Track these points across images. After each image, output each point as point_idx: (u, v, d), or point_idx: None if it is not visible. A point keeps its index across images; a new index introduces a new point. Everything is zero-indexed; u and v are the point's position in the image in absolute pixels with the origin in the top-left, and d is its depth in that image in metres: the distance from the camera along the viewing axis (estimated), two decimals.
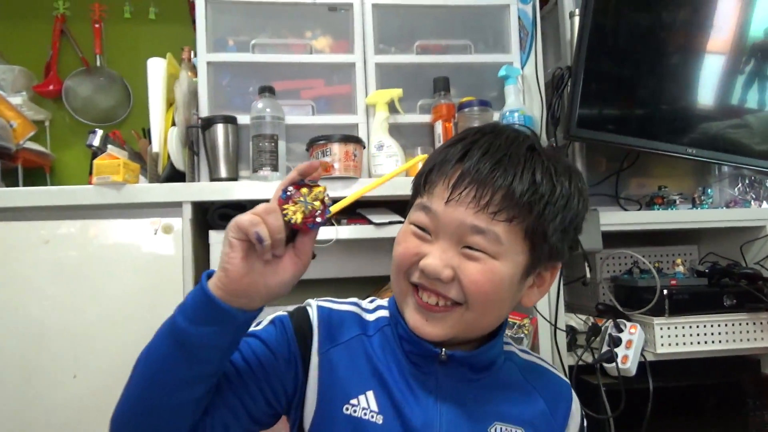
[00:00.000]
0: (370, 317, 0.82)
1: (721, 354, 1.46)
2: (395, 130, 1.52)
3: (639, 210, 1.71)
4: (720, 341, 1.45)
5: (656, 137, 1.57)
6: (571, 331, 1.49)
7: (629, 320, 1.45)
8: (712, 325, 1.45)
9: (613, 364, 1.36)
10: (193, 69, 1.55)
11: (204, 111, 1.47)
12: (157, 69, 1.54)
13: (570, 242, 0.75)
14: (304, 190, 0.68)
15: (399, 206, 1.42)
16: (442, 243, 0.70)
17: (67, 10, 2.14)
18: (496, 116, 1.54)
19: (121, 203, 1.32)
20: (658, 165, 1.81)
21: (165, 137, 1.50)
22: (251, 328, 0.77)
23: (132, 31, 2.18)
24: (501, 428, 0.75)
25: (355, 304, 0.84)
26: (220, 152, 1.42)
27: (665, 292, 1.43)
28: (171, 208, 1.34)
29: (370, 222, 1.39)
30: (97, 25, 2.14)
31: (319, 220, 0.67)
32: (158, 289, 1.31)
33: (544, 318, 1.40)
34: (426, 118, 1.56)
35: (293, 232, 0.68)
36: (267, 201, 0.66)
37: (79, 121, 2.12)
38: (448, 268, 0.69)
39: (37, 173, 2.01)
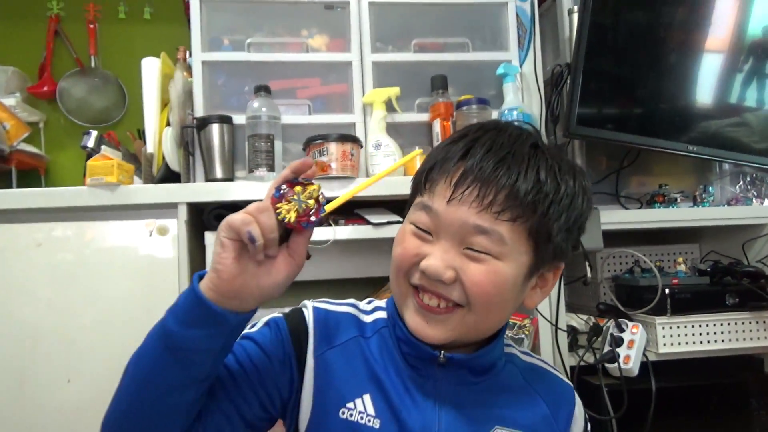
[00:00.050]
0: (368, 319, 0.80)
1: (723, 353, 1.44)
2: (393, 129, 1.51)
3: (640, 208, 1.70)
4: (723, 340, 1.43)
5: (657, 134, 1.56)
6: (572, 331, 1.47)
7: (631, 320, 1.44)
8: (714, 325, 1.43)
9: (615, 364, 1.35)
10: (189, 69, 1.53)
11: (199, 111, 1.46)
12: (151, 69, 1.53)
13: (573, 242, 0.74)
14: (298, 188, 0.66)
15: (397, 206, 1.40)
16: (444, 243, 0.69)
17: (61, 11, 2.13)
18: (494, 114, 1.52)
19: (115, 204, 1.31)
20: (658, 163, 1.80)
21: (160, 138, 1.48)
22: (245, 330, 0.75)
23: (127, 32, 2.17)
24: None
25: (353, 305, 0.82)
26: (215, 152, 1.41)
27: (667, 291, 1.42)
28: (166, 209, 1.33)
29: (368, 222, 1.37)
30: (91, 26, 2.13)
31: (313, 219, 0.65)
32: (153, 292, 1.29)
33: (545, 318, 1.39)
34: (424, 117, 1.55)
35: (287, 232, 0.66)
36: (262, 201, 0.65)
37: (74, 122, 2.11)
38: (449, 269, 0.67)
39: (31, 175, 1.99)
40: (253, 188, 1.34)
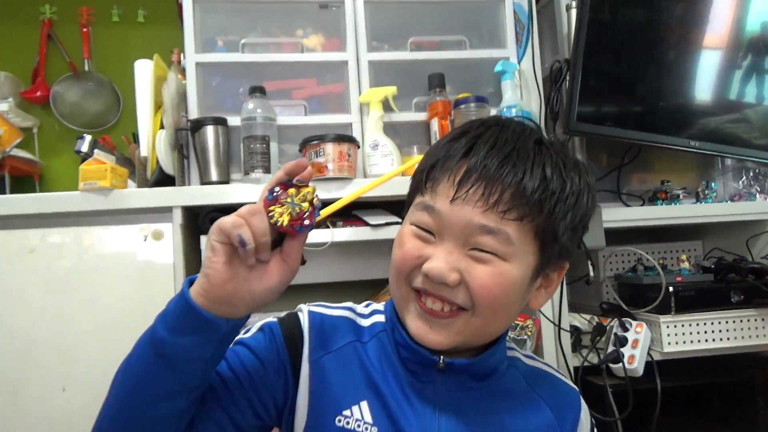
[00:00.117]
0: (365, 322, 0.78)
1: (729, 351, 1.43)
2: (390, 129, 1.49)
3: (642, 206, 1.68)
4: (728, 338, 1.42)
5: (658, 130, 1.54)
6: (575, 331, 1.45)
7: (635, 319, 1.42)
8: (719, 322, 1.42)
9: (620, 364, 1.33)
10: (183, 71, 1.51)
11: (193, 113, 1.44)
12: (144, 71, 1.51)
13: (578, 241, 0.72)
14: (292, 190, 0.64)
15: (396, 207, 1.38)
16: (448, 245, 0.66)
17: (54, 15, 2.11)
18: (493, 113, 1.50)
19: (109, 209, 1.29)
20: (659, 159, 1.78)
21: (153, 141, 1.46)
22: (239, 336, 0.73)
23: (120, 35, 2.15)
24: None
25: (350, 309, 0.80)
26: (210, 155, 1.39)
27: (671, 289, 1.40)
28: (161, 213, 1.31)
29: (366, 223, 1.36)
30: (84, 29, 2.11)
31: (307, 222, 0.63)
32: (149, 298, 1.27)
33: (548, 318, 1.37)
34: (421, 116, 1.53)
35: (281, 236, 0.64)
36: None
37: (68, 127, 2.09)
38: (454, 271, 0.65)
39: (25, 181, 1.97)
40: (249, 191, 1.33)
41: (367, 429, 0.68)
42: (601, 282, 1.66)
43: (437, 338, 0.68)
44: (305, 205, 0.63)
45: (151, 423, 0.61)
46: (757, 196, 1.76)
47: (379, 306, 0.81)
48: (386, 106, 1.48)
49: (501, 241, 0.65)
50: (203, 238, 1.31)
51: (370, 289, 1.55)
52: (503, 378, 0.76)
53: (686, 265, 1.52)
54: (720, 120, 1.65)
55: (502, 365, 0.76)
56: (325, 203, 0.67)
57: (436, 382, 0.72)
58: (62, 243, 1.28)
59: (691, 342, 1.40)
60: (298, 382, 0.70)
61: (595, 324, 1.45)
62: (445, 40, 1.60)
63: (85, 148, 1.57)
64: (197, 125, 1.39)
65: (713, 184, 1.70)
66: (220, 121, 1.40)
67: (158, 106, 1.52)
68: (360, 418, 0.68)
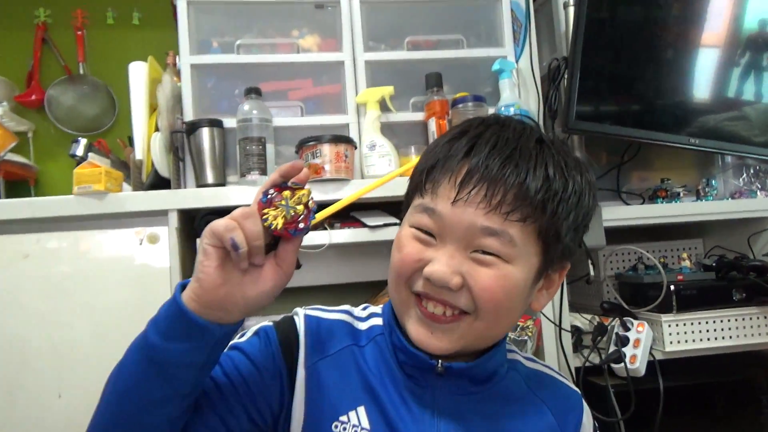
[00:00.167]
0: (363, 326, 0.76)
1: (731, 350, 1.42)
2: (387, 129, 1.48)
3: (642, 204, 1.67)
4: (730, 337, 1.41)
5: (657, 128, 1.54)
6: (576, 331, 1.44)
7: (636, 318, 1.41)
8: (721, 321, 1.41)
9: (622, 364, 1.32)
10: (179, 74, 1.50)
11: (188, 115, 1.43)
12: (138, 73, 1.50)
13: (579, 240, 0.70)
14: (287, 193, 0.62)
15: (394, 208, 1.37)
16: (449, 247, 0.65)
17: (48, 18, 2.10)
18: (491, 112, 1.49)
19: (104, 213, 1.28)
20: (659, 157, 1.77)
21: (148, 143, 1.45)
22: (234, 340, 0.72)
23: (116, 38, 2.14)
24: None
25: (347, 312, 0.79)
26: (206, 157, 1.38)
27: (672, 287, 1.39)
28: (156, 216, 1.30)
29: (364, 225, 1.34)
30: (79, 32, 2.09)
31: (302, 226, 0.62)
32: (145, 303, 1.24)
33: (548, 319, 1.36)
34: (419, 116, 1.52)
35: (276, 239, 0.63)
36: None
37: (64, 131, 2.07)
38: (456, 274, 0.64)
39: (20, 186, 1.96)
40: (246, 193, 1.31)
41: None
42: (601, 281, 1.65)
43: (439, 344, 0.67)
44: (300, 207, 0.62)
45: (143, 429, 0.60)
46: (758, 193, 1.75)
47: (377, 309, 0.80)
48: (383, 107, 1.47)
49: (504, 243, 0.64)
50: (200, 242, 1.29)
51: (369, 291, 1.54)
52: (503, 381, 0.75)
53: (687, 263, 1.51)
54: (719, 118, 1.64)
55: (501, 368, 0.75)
56: (322, 205, 0.66)
57: (435, 386, 0.70)
58: (57, 248, 1.26)
59: (693, 341, 1.39)
60: (294, 388, 0.69)
61: (596, 324, 1.44)
62: (442, 40, 1.59)
63: (80, 151, 1.56)
64: (192, 127, 1.38)
65: (714, 181, 1.69)
66: (215, 123, 1.39)
67: (153, 108, 1.51)
68: (357, 423, 0.67)
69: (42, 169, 2.03)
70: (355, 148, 1.42)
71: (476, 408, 0.71)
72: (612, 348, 1.37)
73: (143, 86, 1.49)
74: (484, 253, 0.64)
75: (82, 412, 1.17)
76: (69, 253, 1.26)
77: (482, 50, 1.57)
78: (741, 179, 1.78)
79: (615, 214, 1.48)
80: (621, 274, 1.61)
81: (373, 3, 1.54)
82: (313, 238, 1.31)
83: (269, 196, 0.62)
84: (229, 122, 1.41)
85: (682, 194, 1.64)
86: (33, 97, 2.04)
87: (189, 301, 0.58)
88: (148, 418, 0.59)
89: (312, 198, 0.64)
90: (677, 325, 1.39)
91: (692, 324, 1.39)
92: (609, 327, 1.41)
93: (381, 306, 0.79)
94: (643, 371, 1.32)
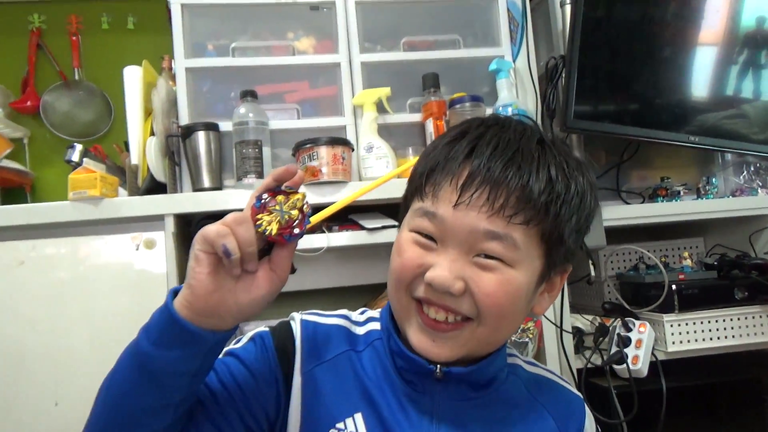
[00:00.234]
0: (360, 330, 0.75)
1: (734, 349, 1.41)
2: (385, 131, 1.47)
3: (642, 203, 1.66)
4: (733, 336, 1.40)
5: (657, 126, 1.53)
6: (577, 332, 1.43)
7: (638, 318, 1.40)
8: (724, 320, 1.40)
9: (624, 365, 1.31)
10: (174, 77, 1.49)
11: (184, 119, 1.42)
12: (133, 77, 1.49)
13: (581, 242, 0.69)
14: (281, 197, 0.61)
15: (393, 209, 1.36)
16: (451, 252, 0.63)
17: (42, 24, 2.09)
18: (489, 112, 1.48)
19: (99, 219, 1.27)
20: (659, 156, 1.76)
21: (144, 148, 1.43)
22: (230, 346, 0.71)
23: (110, 42, 2.13)
24: None
25: (344, 317, 0.77)
26: (202, 161, 1.37)
27: (674, 287, 1.38)
28: (152, 221, 1.29)
29: (362, 227, 1.33)
30: (74, 38, 2.09)
31: (296, 231, 0.60)
32: (142, 309, 1.21)
33: (549, 320, 1.35)
34: (416, 117, 1.51)
35: (270, 245, 0.61)
36: None
37: (59, 137, 2.07)
38: (459, 280, 0.62)
39: (16, 193, 1.95)
40: (242, 197, 1.30)
41: None
42: (602, 282, 1.64)
43: (441, 352, 0.66)
44: (294, 212, 0.61)
45: None
46: (759, 190, 1.74)
47: (375, 313, 0.78)
48: (380, 108, 1.46)
49: (507, 247, 0.62)
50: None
51: (368, 294, 1.53)
52: (503, 386, 0.73)
53: (688, 262, 1.50)
54: (718, 115, 1.63)
55: (501, 373, 0.74)
56: (319, 208, 0.65)
57: (434, 391, 0.69)
58: (53, 254, 1.25)
59: (696, 341, 1.38)
60: (290, 394, 0.68)
61: (597, 325, 1.43)
62: (439, 40, 1.58)
63: (75, 157, 1.55)
64: (188, 131, 1.37)
65: (714, 179, 1.68)
66: (211, 127, 1.38)
67: (148, 112, 1.50)
68: (354, 430, 0.66)
69: (38, 176, 2.02)
70: (353, 150, 1.41)
71: (476, 414, 0.70)
72: (614, 349, 1.36)
73: (138, 90, 1.48)
74: (487, 257, 0.63)
75: (78, 420, 1.16)
76: (65, 260, 1.25)
77: (479, 50, 1.56)
78: (741, 177, 1.77)
79: (615, 213, 1.47)
80: (622, 274, 1.60)
81: (368, 4, 1.53)
82: (310, 241, 1.30)
83: (263, 201, 0.61)
84: (225, 126, 1.40)
85: (682, 193, 1.63)
86: (28, 103, 2.03)
87: (181, 308, 0.56)
88: (141, 428, 0.58)
89: (307, 202, 0.63)
90: (679, 325, 1.38)
91: (694, 324, 1.38)
92: (611, 328, 1.40)
93: (379, 310, 0.78)
94: (645, 372, 1.31)
